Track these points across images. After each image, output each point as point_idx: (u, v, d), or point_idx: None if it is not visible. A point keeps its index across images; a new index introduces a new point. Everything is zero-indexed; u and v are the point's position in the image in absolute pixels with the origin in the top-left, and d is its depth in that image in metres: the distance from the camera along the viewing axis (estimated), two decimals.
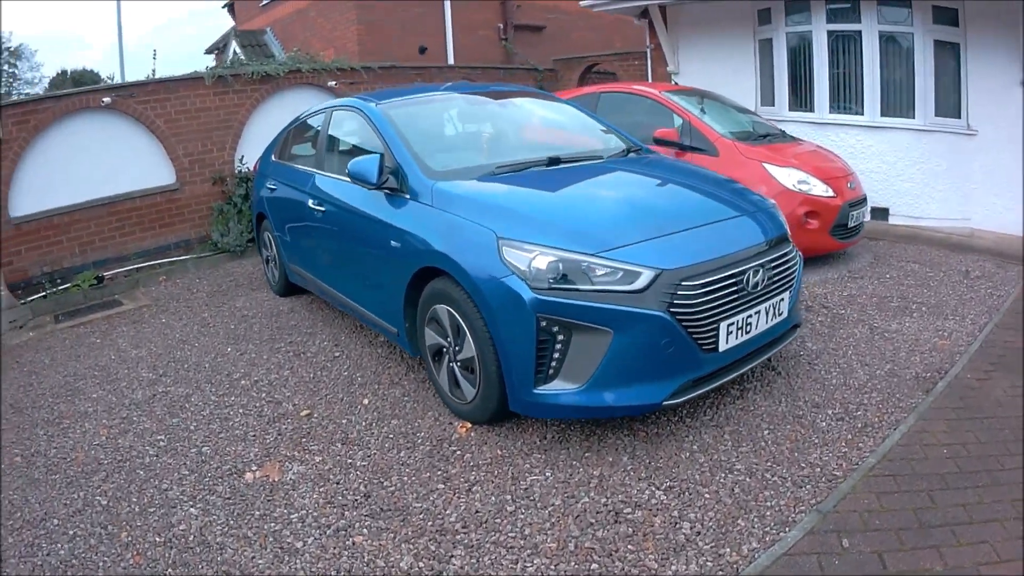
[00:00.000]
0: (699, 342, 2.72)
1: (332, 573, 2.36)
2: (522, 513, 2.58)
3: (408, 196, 3.39)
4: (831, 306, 4.53)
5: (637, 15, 9.16)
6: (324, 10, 12.09)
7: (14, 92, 36.35)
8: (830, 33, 7.28)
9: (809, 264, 5.28)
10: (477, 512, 2.61)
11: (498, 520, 2.56)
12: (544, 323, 2.66)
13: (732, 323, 2.80)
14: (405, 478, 2.88)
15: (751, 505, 2.53)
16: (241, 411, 3.61)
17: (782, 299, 3.06)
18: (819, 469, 2.73)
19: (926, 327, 4.12)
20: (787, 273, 3.11)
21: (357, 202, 3.76)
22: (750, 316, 2.87)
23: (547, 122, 4.49)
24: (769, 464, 2.78)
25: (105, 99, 6.79)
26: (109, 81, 8.43)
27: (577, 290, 2.63)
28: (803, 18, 7.44)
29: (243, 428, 3.43)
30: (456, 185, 3.29)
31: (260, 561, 2.45)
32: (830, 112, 7.41)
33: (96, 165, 6.77)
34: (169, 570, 2.45)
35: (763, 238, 3.06)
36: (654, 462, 2.82)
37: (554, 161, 3.58)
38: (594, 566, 2.28)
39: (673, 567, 2.25)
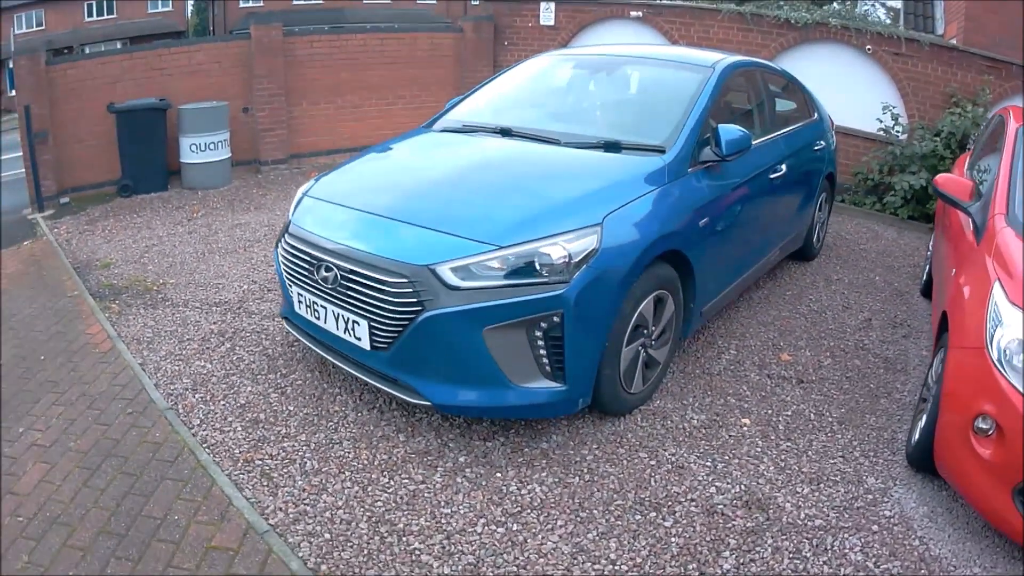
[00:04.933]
0: (290, 289, 3.25)
1: None
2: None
3: None
4: None
5: None
6: None
7: None
8: None
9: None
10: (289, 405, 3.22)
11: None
12: None
13: (302, 295, 3.14)
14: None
15: None
16: None
17: (356, 323, 2.86)
18: None
19: None
20: (369, 301, 2.81)
21: None
22: (317, 304, 3.05)
23: (632, 99, 4.19)
24: None
25: (634, 12, 7.86)
26: None
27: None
28: None
29: None
30: (413, 131, 4.11)
31: None
32: None
33: None
34: None
35: (403, 259, 2.74)
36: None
37: (505, 132, 3.75)
38: None
39: None
